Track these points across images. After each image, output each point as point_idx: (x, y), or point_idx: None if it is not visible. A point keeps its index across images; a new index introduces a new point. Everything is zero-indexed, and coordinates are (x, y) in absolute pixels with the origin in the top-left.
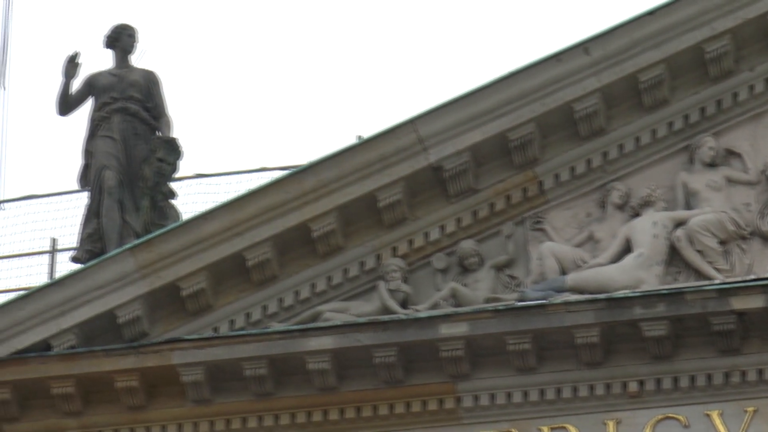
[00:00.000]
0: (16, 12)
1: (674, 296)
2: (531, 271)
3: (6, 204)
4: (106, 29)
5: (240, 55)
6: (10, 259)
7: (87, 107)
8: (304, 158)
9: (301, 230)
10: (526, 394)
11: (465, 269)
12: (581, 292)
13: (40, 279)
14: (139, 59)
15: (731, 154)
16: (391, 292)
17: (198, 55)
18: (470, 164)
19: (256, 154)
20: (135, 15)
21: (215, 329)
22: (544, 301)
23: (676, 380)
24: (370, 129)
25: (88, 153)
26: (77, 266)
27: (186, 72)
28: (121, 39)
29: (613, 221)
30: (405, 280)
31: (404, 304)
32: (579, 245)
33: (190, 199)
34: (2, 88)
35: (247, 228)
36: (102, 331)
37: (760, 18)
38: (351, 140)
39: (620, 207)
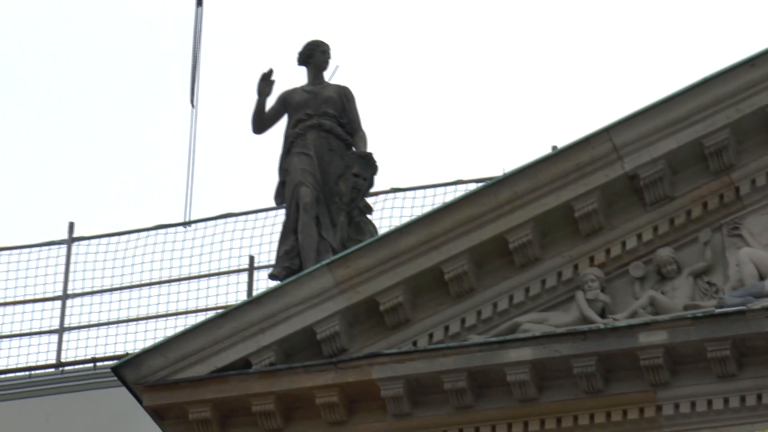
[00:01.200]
0: (205, 29)
1: None
2: (729, 277)
3: (204, 223)
4: (296, 45)
5: (434, 68)
6: (209, 278)
7: (282, 124)
8: (499, 170)
9: (497, 242)
10: (726, 401)
11: (663, 277)
12: None
13: (239, 297)
14: (332, 75)
15: None
16: (590, 301)
17: (391, 69)
18: (666, 172)
19: (451, 167)
20: (326, 30)
21: (414, 343)
22: (743, 308)
23: None
24: (565, 139)
25: (284, 170)
26: (275, 283)
27: (379, 86)
28: (314, 56)
29: None
30: (603, 290)
31: (603, 314)
32: None
33: (386, 213)
34: (192, 106)
35: (443, 241)
36: (301, 348)
37: None
38: (546, 150)
39: None
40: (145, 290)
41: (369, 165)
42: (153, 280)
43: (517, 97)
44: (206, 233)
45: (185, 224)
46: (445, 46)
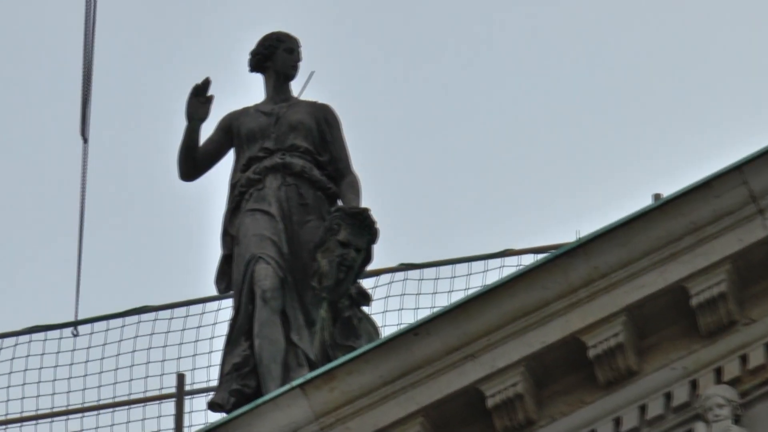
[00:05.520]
0: (99, 47)
1: None
2: None
3: (106, 322)
4: (240, 46)
5: (460, 73)
6: (115, 410)
7: (225, 165)
8: (571, 234)
9: (570, 347)
10: None
11: None
12: None
13: None
14: (304, 87)
15: None
16: None
17: (394, 77)
18: None
19: (491, 231)
20: (288, 27)
21: None
22: None
23: None
24: (673, 184)
25: (229, 237)
26: (219, 416)
27: (378, 103)
28: (275, 56)
29: None
30: (737, 420)
31: None
32: None
33: (393, 303)
34: (83, 140)
35: (484, 347)
36: None
37: None
38: (644, 202)
39: None
40: (13, 429)
41: (363, 228)
42: (26, 414)
43: (603, 126)
44: (110, 338)
45: (77, 324)
46: (461, 44)
